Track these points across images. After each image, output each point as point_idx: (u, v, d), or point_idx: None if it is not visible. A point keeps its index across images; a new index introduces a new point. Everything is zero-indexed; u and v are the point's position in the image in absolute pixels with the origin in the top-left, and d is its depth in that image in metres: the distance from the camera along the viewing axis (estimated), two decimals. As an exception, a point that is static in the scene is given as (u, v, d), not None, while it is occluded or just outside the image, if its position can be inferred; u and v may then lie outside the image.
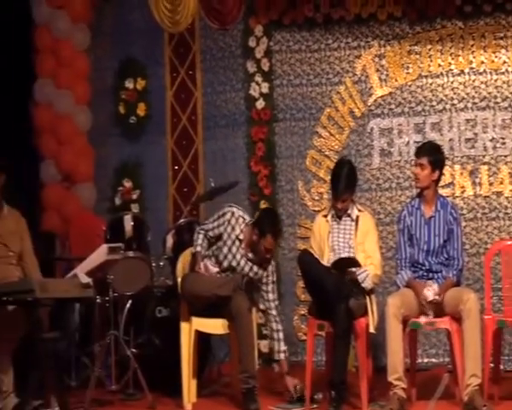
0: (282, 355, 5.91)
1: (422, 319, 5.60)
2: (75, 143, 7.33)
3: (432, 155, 5.77)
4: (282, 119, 7.32)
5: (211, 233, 5.95)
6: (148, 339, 6.22)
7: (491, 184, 6.91)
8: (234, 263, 5.91)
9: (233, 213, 5.93)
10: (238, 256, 5.92)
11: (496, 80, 6.91)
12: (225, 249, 5.92)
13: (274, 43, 7.32)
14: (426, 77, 7.06)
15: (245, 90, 7.36)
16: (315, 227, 6.06)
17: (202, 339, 6.00)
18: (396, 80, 7.12)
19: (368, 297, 5.79)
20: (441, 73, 7.02)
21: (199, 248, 5.91)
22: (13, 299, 4.89)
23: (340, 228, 5.94)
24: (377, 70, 7.16)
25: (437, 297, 5.55)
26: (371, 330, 5.76)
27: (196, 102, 7.53)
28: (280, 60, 7.32)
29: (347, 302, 5.57)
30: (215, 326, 5.87)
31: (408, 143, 7.07)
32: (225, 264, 5.92)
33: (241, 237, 5.91)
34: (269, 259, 5.92)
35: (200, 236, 5.95)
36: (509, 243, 6.24)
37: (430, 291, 5.56)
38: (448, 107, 7.01)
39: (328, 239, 5.91)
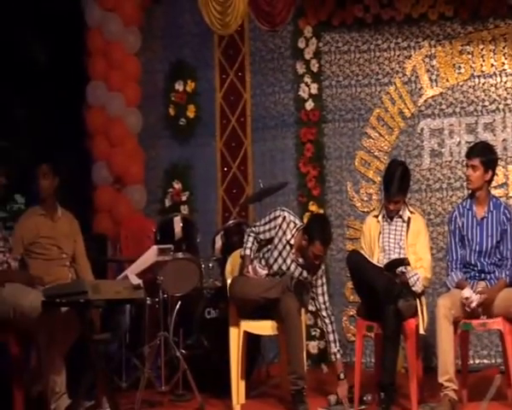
0: (335, 356, 5.89)
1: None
2: (126, 145, 7.40)
3: (484, 155, 5.70)
4: (331, 120, 7.31)
5: (261, 236, 5.96)
6: (197, 340, 6.24)
7: (546, 183, 6.83)
8: (284, 267, 5.91)
9: (284, 218, 5.92)
10: (288, 261, 5.92)
11: (549, 79, 6.84)
12: (276, 253, 5.92)
13: (323, 44, 7.32)
14: (478, 77, 7.00)
15: (294, 92, 7.36)
16: (365, 227, 6.04)
17: (251, 340, 6.01)
18: (447, 80, 7.07)
19: (418, 298, 5.75)
20: (494, 73, 6.96)
21: (248, 252, 5.92)
22: (66, 301, 4.94)
23: (391, 229, 5.92)
24: (428, 70, 7.10)
25: (475, 303, 5.49)
26: (421, 331, 5.73)
27: (245, 104, 7.55)
28: (329, 61, 7.32)
29: (397, 303, 5.54)
30: (264, 327, 5.88)
31: (459, 143, 7.02)
32: (275, 268, 5.92)
33: (292, 242, 5.90)
34: (318, 265, 5.91)
35: (251, 238, 5.96)
36: None
37: (471, 298, 5.49)
38: (501, 107, 6.94)
39: (379, 240, 5.89)
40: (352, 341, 6.79)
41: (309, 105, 7.31)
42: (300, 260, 5.90)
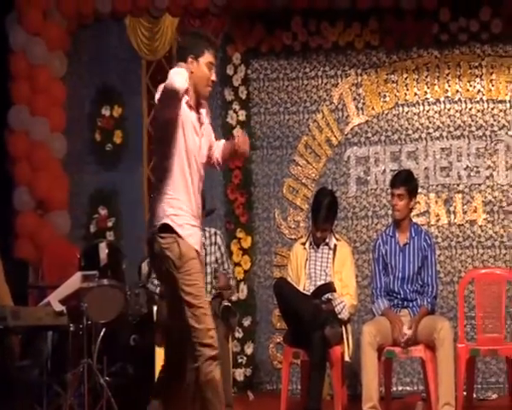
0: None
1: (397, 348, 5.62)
2: (50, 170, 7.29)
3: (409, 184, 5.83)
4: (259, 147, 7.32)
5: None
6: (121, 368, 6.18)
7: (465, 212, 6.94)
8: None
9: None
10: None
11: (470, 109, 6.97)
12: None
13: (251, 71, 7.34)
14: (402, 105, 7.10)
15: (222, 118, 7.35)
16: (292, 254, 6.10)
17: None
18: (373, 109, 7.16)
19: (343, 326, 5.79)
20: (417, 102, 7.06)
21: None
22: (-16, 327, 4.82)
23: (318, 256, 5.98)
24: (354, 98, 7.19)
25: (407, 337, 5.60)
26: (346, 358, 5.77)
27: (174, 130, 7.51)
28: (257, 88, 7.34)
29: (323, 330, 5.57)
30: (191, 354, 5.82)
31: (384, 171, 7.09)
32: None
33: None
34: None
35: None
36: (483, 271, 6.30)
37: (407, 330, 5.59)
38: (424, 135, 7.05)
39: (306, 267, 5.95)
40: (279, 368, 6.78)
41: (237, 132, 7.32)
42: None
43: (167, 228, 4.28)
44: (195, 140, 4.36)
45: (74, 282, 5.86)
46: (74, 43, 7.55)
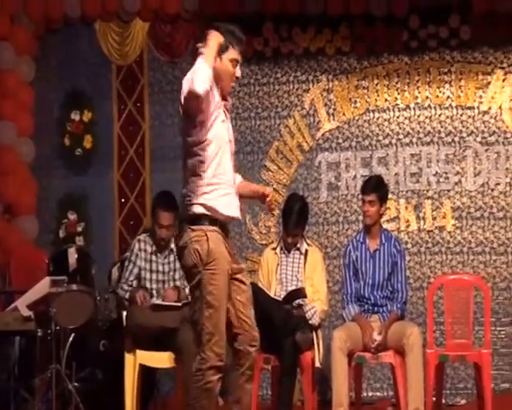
0: None
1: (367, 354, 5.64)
2: (17, 174, 7.23)
3: (380, 190, 5.86)
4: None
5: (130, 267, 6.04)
6: (90, 373, 6.16)
7: (434, 218, 6.97)
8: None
9: (139, 240, 6.05)
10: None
11: (440, 115, 7.01)
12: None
13: (222, 77, 7.32)
14: (373, 111, 7.13)
15: (194, 123, 7.33)
16: (263, 260, 6.12)
17: (147, 373, 5.93)
18: (344, 114, 7.18)
19: (314, 331, 5.79)
20: (388, 108, 7.09)
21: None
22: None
23: (289, 261, 5.99)
24: (325, 104, 7.20)
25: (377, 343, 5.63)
26: (317, 364, 5.78)
27: (144, 135, 7.49)
28: (228, 93, 7.32)
29: (294, 336, 5.57)
30: (161, 360, 5.82)
31: (355, 177, 7.11)
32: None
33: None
34: (164, 239, 5.92)
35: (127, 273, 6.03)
36: (451, 277, 6.34)
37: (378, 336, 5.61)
38: (394, 141, 7.08)
39: (277, 272, 5.96)
40: (249, 373, 6.75)
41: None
42: None
43: (199, 217, 4.22)
44: (224, 124, 4.34)
45: (42, 287, 5.85)
46: (43, 48, 7.50)
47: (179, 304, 5.83)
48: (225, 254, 4.22)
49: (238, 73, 4.37)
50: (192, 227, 4.22)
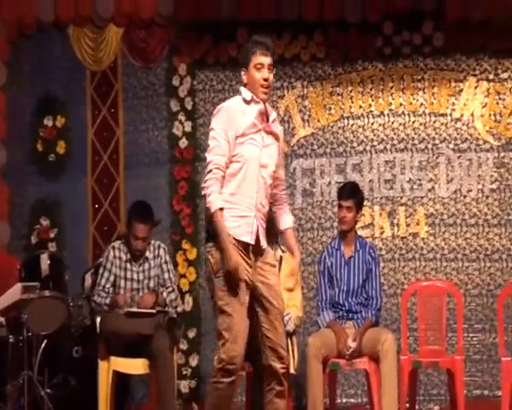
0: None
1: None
2: (-12, 180, 7.18)
3: (356, 196, 5.88)
4: (205, 158, 7.25)
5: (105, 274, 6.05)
6: (63, 379, 6.13)
7: (408, 225, 7.00)
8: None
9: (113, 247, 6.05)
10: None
11: (413, 122, 7.03)
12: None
13: (197, 82, 7.31)
14: (347, 118, 7.14)
15: (168, 129, 7.31)
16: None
17: (121, 379, 5.91)
18: (318, 121, 7.19)
19: (289, 338, 5.78)
20: (362, 115, 7.11)
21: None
22: None
23: (264, 268, 5.95)
24: (300, 111, 7.21)
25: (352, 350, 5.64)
26: (292, 370, 5.75)
27: (118, 141, 7.46)
28: (203, 99, 7.32)
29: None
30: (135, 366, 5.80)
31: (330, 183, 7.12)
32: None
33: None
34: (140, 250, 5.95)
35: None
36: (425, 283, 6.37)
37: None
38: (368, 148, 7.10)
39: (250, 278, 5.91)
40: (223, 380, 6.73)
41: (183, 143, 7.29)
42: None
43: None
44: (254, 148, 4.38)
45: (14, 293, 5.82)
46: (15, 53, 7.43)
47: (153, 311, 5.81)
48: (239, 262, 4.27)
49: (265, 74, 4.38)
50: (209, 238, 4.35)
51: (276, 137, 4.52)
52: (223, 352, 4.27)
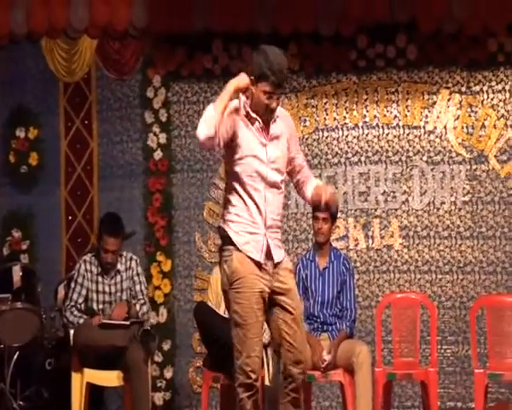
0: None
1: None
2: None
3: (332, 207, 5.87)
4: (180, 170, 7.29)
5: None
6: (36, 392, 6.08)
7: (382, 237, 7.01)
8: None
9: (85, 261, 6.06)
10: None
11: (387, 134, 7.05)
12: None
13: (172, 94, 7.30)
14: (322, 130, 7.15)
15: (142, 141, 7.30)
16: (212, 278, 6.15)
17: (95, 391, 5.89)
18: (293, 133, 7.19)
19: (264, 350, 5.78)
20: (336, 127, 7.12)
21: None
22: None
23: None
24: (275, 123, 7.21)
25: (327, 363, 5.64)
26: (266, 382, 5.77)
27: (92, 152, 7.43)
28: (178, 111, 7.31)
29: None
30: (109, 378, 5.79)
31: (304, 195, 7.12)
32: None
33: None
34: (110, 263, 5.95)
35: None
36: (399, 296, 6.39)
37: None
38: (343, 160, 7.11)
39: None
40: (199, 392, 6.70)
41: (157, 155, 7.27)
42: None
43: (226, 239, 4.25)
44: (256, 152, 4.28)
45: (-15, 305, 5.76)
46: (-14, 64, 7.41)
47: (127, 323, 5.79)
48: (254, 273, 4.23)
49: (273, 105, 4.26)
50: (222, 247, 4.30)
51: (278, 137, 4.39)
52: (239, 368, 4.21)
